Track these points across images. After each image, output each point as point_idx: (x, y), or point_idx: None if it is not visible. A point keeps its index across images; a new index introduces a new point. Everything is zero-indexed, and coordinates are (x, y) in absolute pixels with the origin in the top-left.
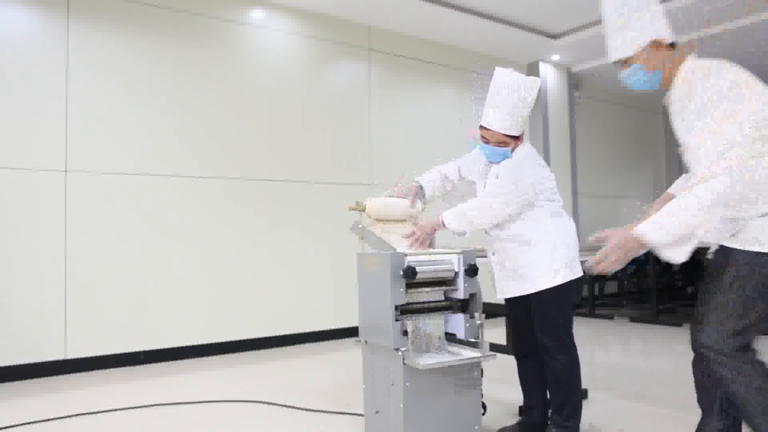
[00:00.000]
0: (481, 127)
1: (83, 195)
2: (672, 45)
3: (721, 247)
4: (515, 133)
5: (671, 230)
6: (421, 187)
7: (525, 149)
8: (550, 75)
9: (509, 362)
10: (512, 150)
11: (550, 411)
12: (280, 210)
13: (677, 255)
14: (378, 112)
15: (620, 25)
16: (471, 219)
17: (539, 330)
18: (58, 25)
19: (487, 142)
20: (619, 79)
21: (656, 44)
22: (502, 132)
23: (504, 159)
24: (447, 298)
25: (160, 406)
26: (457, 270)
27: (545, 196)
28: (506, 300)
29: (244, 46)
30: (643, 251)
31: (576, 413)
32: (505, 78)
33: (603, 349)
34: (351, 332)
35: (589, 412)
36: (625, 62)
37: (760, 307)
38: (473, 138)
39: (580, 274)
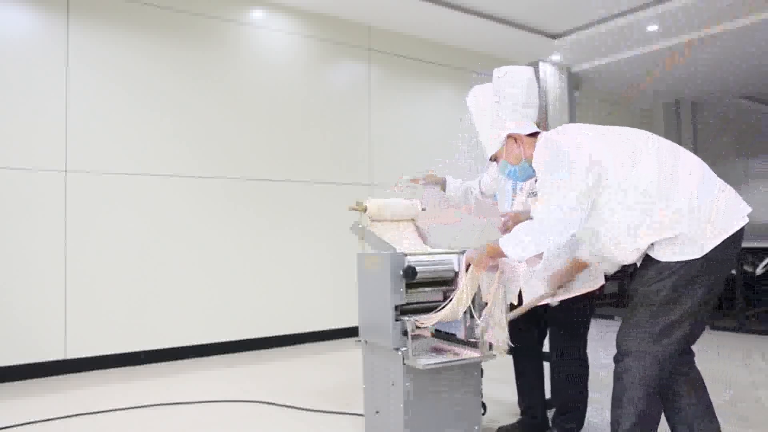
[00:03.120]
0: None
1: (83, 195)
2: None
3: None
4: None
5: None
6: (443, 181)
7: None
8: (550, 75)
9: (509, 362)
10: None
11: (551, 411)
12: (280, 210)
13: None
14: (378, 112)
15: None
16: None
17: (577, 329)
18: (58, 25)
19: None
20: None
21: (513, 138)
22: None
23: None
24: (447, 299)
25: (160, 406)
26: (457, 270)
27: None
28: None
29: (244, 46)
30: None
31: (579, 417)
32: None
33: (604, 349)
34: (351, 332)
35: (589, 412)
36: (494, 158)
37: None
38: None
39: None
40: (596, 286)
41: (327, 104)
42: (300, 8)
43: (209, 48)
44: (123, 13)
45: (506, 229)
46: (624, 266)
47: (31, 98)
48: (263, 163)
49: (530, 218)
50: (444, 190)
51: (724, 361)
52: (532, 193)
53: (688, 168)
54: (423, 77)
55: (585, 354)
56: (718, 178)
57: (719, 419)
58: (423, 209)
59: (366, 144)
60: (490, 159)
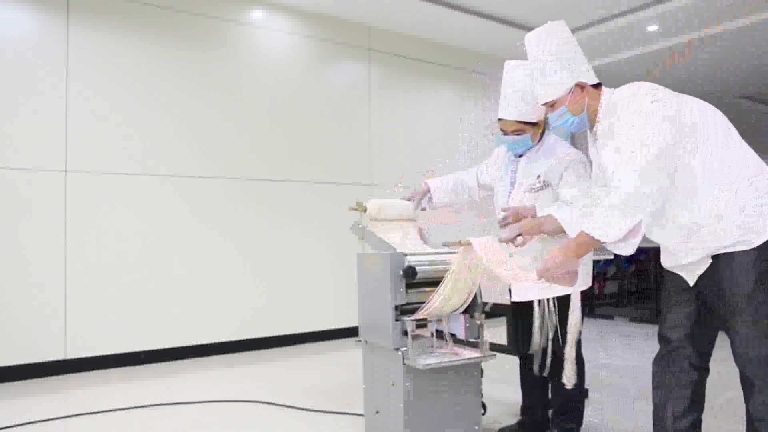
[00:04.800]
0: (499, 119)
1: (83, 195)
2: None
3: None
4: (531, 119)
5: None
6: (428, 191)
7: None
8: None
9: (509, 362)
10: (533, 137)
11: (550, 411)
12: (280, 210)
13: (626, 249)
14: (378, 112)
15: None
16: None
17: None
18: (58, 25)
19: (505, 133)
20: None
21: (581, 86)
22: (513, 119)
23: (527, 149)
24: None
25: (160, 406)
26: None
27: None
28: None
29: (244, 46)
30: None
31: (578, 417)
32: (509, 67)
33: (604, 349)
34: (351, 332)
35: (589, 412)
36: (552, 105)
37: None
38: (495, 134)
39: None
40: (585, 287)
41: (327, 104)
42: (300, 8)
43: (209, 48)
44: (123, 13)
45: (506, 224)
46: (623, 268)
47: (31, 98)
48: (263, 163)
49: (534, 215)
50: (431, 200)
51: (724, 361)
52: (532, 188)
53: (688, 169)
54: (423, 77)
55: (580, 352)
56: (731, 177)
57: (719, 418)
58: (423, 209)
59: (366, 144)
60: (545, 105)
